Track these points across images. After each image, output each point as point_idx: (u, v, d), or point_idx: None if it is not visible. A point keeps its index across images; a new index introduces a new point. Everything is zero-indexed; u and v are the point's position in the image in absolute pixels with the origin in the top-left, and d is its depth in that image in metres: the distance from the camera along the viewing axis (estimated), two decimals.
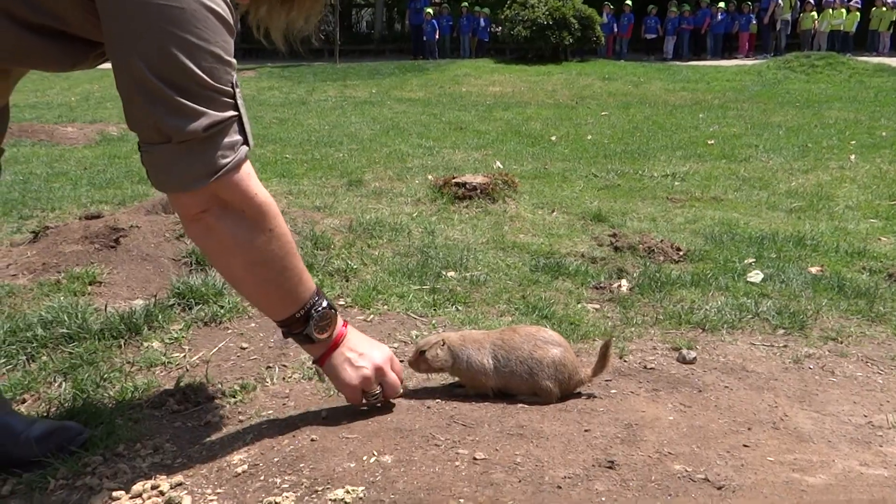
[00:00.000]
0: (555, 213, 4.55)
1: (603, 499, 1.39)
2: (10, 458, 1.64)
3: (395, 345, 2.33)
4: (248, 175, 1.49)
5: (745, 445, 1.67)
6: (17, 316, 2.39)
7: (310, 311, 1.65)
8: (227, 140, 1.42)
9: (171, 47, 1.31)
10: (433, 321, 2.55)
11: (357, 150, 7.41)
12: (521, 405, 1.87)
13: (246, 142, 1.47)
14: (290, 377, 2.09)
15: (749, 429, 1.77)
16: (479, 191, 4.62)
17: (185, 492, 1.52)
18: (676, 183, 5.98)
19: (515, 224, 4.21)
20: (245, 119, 1.47)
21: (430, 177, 5.62)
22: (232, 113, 1.42)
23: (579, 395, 1.93)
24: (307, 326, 1.65)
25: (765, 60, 18.31)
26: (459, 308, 2.73)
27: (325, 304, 1.67)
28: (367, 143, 7.95)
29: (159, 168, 1.42)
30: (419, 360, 1.91)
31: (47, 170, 6.06)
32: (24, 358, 2.20)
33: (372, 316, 2.58)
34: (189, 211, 1.48)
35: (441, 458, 1.56)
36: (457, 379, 1.94)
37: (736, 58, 20.84)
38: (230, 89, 1.41)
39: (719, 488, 1.44)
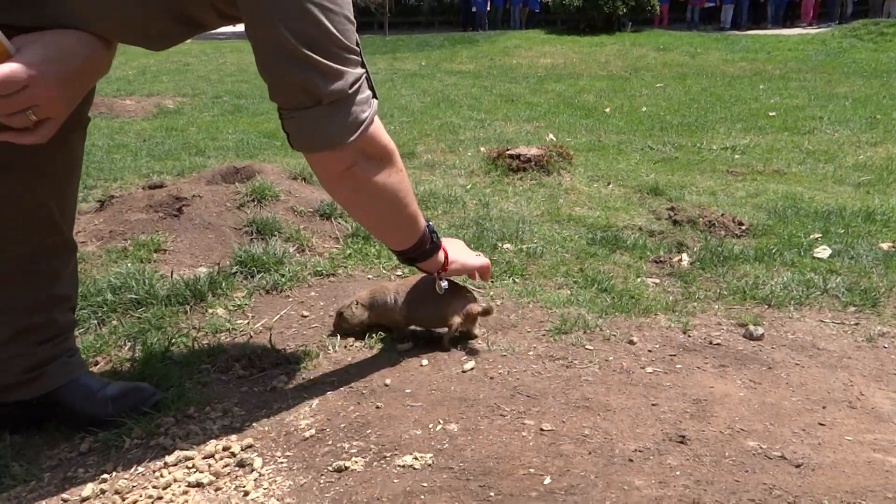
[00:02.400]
0: (610, 186, 4.47)
1: (677, 473, 1.37)
2: (86, 416, 1.70)
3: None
4: (379, 125, 1.61)
5: (821, 424, 1.62)
6: (88, 281, 2.46)
7: (429, 224, 1.90)
8: (362, 96, 1.50)
9: (313, 13, 1.37)
10: (490, 293, 2.54)
11: (408, 122, 7.39)
12: (584, 378, 1.85)
13: (374, 95, 1.58)
14: (351, 345, 2.11)
15: (824, 407, 1.72)
16: (533, 163, 4.56)
17: (256, 454, 1.55)
18: (737, 156, 5.81)
19: (571, 197, 4.16)
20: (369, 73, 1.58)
21: (482, 149, 5.56)
22: (362, 70, 1.50)
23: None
24: (433, 235, 1.90)
25: (829, 28, 17.58)
26: (517, 280, 2.71)
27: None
28: (418, 115, 7.92)
29: (309, 131, 1.48)
30: (339, 321, 2.14)
31: (108, 141, 6.21)
32: (96, 322, 2.27)
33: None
34: (337, 168, 1.57)
35: (507, 428, 1.56)
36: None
37: (798, 26, 20.05)
38: (357, 48, 1.49)
39: (797, 466, 1.40)
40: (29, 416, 1.72)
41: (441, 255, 1.97)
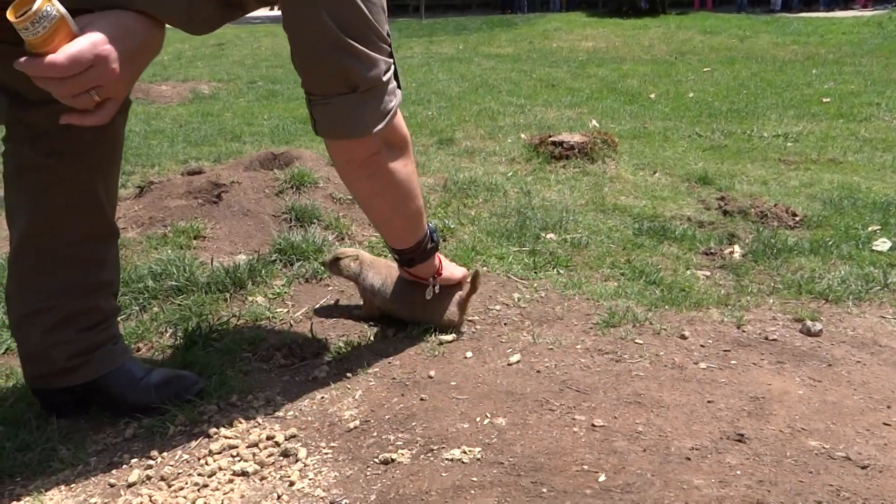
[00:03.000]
0: (657, 175, 4.41)
1: (738, 472, 1.34)
2: (131, 402, 1.73)
3: (497, 307, 2.32)
4: (400, 115, 1.66)
5: (886, 424, 1.58)
6: (129, 268, 2.50)
7: (429, 223, 1.94)
8: (392, 85, 1.56)
9: (355, 1, 1.41)
10: (534, 284, 2.52)
11: (446, 107, 7.36)
12: (635, 374, 1.83)
13: (399, 84, 1.62)
14: (392, 336, 2.12)
15: (889, 407, 1.67)
16: (576, 150, 4.51)
17: (300, 444, 1.56)
18: (789, 144, 5.67)
19: (616, 185, 4.11)
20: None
21: (522, 135, 5.53)
22: (391, 59, 1.55)
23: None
24: (433, 235, 1.94)
25: (886, 10, 17.05)
26: (561, 271, 2.69)
27: None
28: (455, 100, 7.89)
29: (343, 118, 1.50)
30: (333, 263, 2.22)
31: (145, 127, 6.31)
32: (137, 308, 2.31)
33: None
34: (362, 155, 1.61)
35: (557, 423, 1.55)
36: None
37: (852, 8, 19.50)
38: (388, 37, 1.53)
39: (864, 468, 1.37)
40: (75, 402, 1.75)
41: (436, 258, 2.02)
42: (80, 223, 1.64)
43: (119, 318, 2.23)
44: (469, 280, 2.11)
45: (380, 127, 1.55)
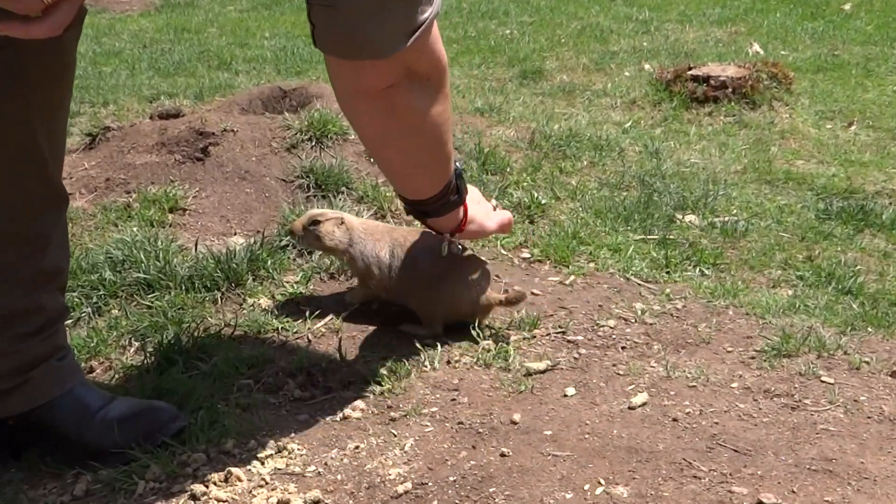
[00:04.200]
0: (853, 127, 4.37)
1: None
2: (83, 443, 1.79)
3: (611, 323, 2.32)
4: (437, 34, 1.67)
5: None
6: (78, 252, 2.58)
7: (457, 168, 1.98)
8: None
9: None
10: (667, 290, 2.53)
11: (533, 23, 7.37)
12: (822, 427, 1.82)
13: None
14: (457, 360, 2.14)
15: None
16: (729, 89, 4.50)
17: None
18: None
19: (789, 143, 4.08)
20: None
21: (647, 66, 5.49)
22: None
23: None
24: (460, 183, 1.98)
25: None
26: (706, 272, 2.69)
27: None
28: (546, 12, 7.88)
29: (349, 27, 1.52)
30: (308, 233, 2.29)
31: (94, 47, 6.47)
32: (89, 310, 2.39)
33: (572, 277, 2.59)
34: (375, 84, 1.65)
35: (706, 498, 1.55)
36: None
37: None
38: None
39: None
40: (3, 442, 1.82)
41: (461, 210, 2.06)
42: (13, 186, 1.69)
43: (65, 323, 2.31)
44: (508, 298, 2.23)
45: (404, 46, 1.56)
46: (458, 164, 1.99)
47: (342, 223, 2.28)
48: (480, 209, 2.16)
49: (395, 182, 2.02)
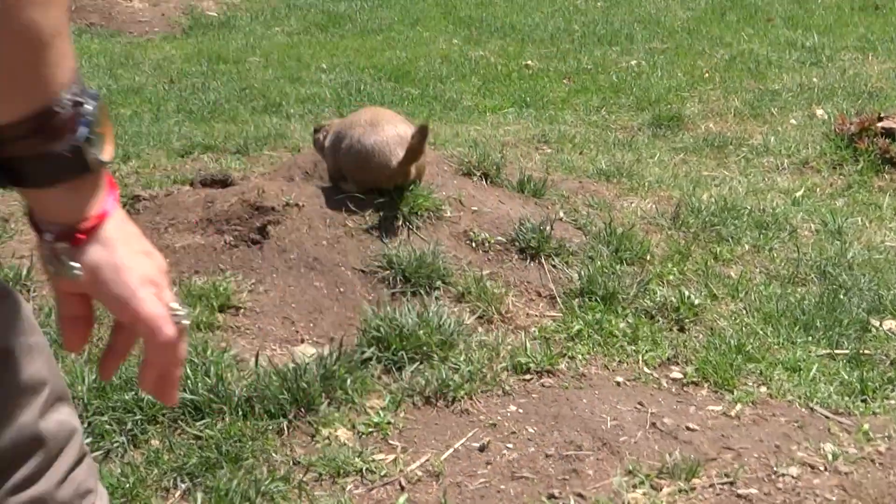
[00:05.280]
0: None
1: None
2: None
3: (792, 470, 2.32)
4: None
5: None
6: None
7: (87, 92, 1.60)
8: None
9: None
10: (864, 425, 2.51)
11: (666, 51, 7.40)
12: None
13: None
14: None
15: None
16: None
17: None
18: None
19: None
20: None
21: (819, 112, 5.50)
22: None
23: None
24: (92, 136, 1.48)
25: None
26: None
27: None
28: (682, 36, 7.91)
29: None
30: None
31: (108, 82, 6.66)
32: (123, 439, 2.45)
33: (739, 406, 2.60)
34: None
35: None
36: None
37: None
38: None
39: None
40: None
41: (97, 192, 1.61)
42: None
43: (91, 454, 2.38)
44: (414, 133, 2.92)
45: None
46: (83, 96, 1.66)
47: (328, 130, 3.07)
48: (130, 250, 1.67)
49: None
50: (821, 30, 8.13)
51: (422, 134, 3.09)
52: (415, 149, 3.13)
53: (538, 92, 6.25)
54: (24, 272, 3.10)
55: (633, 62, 7.08)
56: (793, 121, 5.44)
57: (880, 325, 3.07)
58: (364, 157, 3.22)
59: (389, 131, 3.25)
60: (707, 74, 6.66)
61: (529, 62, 7.11)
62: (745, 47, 7.44)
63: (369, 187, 3.29)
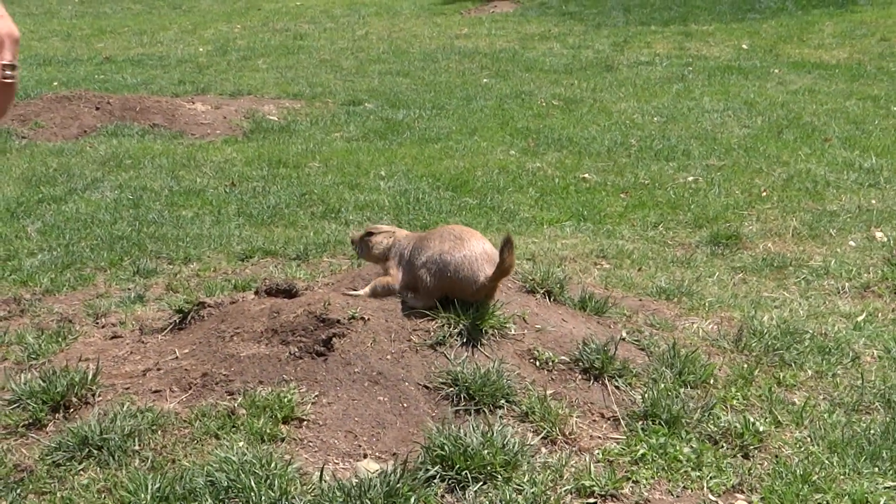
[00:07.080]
0: None
1: None
2: None
3: None
4: None
5: None
6: (170, 469, 2.67)
7: None
8: None
9: None
10: None
11: (723, 168, 7.41)
12: None
13: None
14: None
15: None
16: None
17: None
18: None
19: None
20: None
21: (879, 234, 5.49)
22: None
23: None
24: None
25: None
26: None
27: None
28: (740, 153, 7.93)
29: None
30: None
31: (170, 183, 6.78)
32: None
33: None
34: None
35: None
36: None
37: None
38: None
39: None
40: None
41: None
42: None
43: None
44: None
45: None
46: None
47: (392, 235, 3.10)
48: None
49: None
50: (878, 151, 8.13)
51: (509, 248, 3.16)
52: (509, 264, 3.22)
53: (595, 206, 6.28)
54: (90, 376, 3.14)
55: (691, 178, 7.10)
56: (851, 242, 5.44)
57: None
58: (452, 271, 3.30)
59: (476, 247, 3.35)
60: (765, 193, 6.67)
61: (586, 175, 7.16)
62: (803, 166, 7.44)
63: (448, 299, 3.37)
